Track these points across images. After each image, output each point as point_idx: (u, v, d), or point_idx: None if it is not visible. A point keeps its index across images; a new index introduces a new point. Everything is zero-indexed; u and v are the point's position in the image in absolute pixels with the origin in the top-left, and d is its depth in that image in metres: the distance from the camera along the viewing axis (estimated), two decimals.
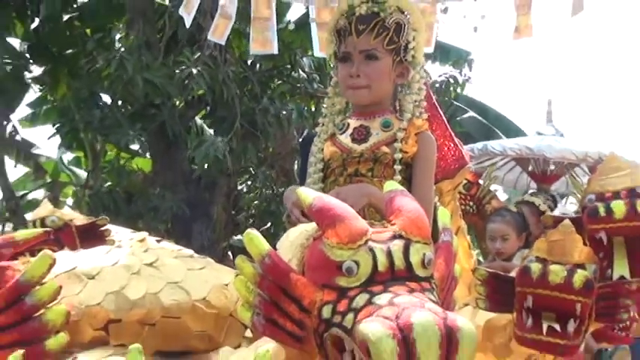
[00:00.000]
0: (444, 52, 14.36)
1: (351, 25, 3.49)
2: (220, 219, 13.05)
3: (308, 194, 2.36)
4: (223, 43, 4.92)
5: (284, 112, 12.54)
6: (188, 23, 4.51)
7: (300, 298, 2.26)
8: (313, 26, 4.73)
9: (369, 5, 3.50)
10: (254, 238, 2.32)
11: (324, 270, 2.25)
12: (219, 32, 4.63)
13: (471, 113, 16.85)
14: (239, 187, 14.37)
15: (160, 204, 12.02)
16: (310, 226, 2.43)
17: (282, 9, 12.04)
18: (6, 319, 2.66)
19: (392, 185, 2.51)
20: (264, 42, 4.61)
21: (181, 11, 4.45)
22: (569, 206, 8.28)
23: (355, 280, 2.20)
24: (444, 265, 2.46)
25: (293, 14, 13.69)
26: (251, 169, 13.95)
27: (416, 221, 2.31)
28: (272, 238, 2.79)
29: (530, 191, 7.72)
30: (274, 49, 4.72)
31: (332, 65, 3.66)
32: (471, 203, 6.92)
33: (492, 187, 7.44)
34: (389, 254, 2.22)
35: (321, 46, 4.57)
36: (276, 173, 13.67)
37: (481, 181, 7.18)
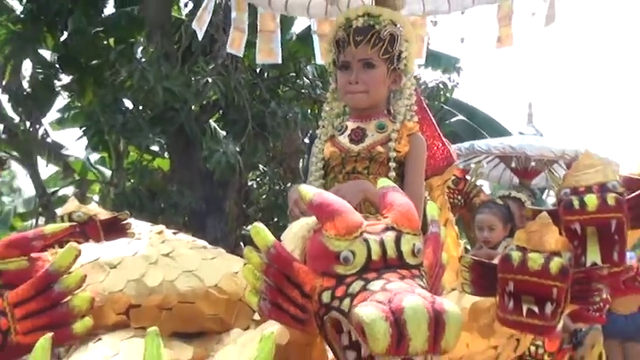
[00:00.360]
0: (435, 59, 14.32)
1: (350, 37, 3.49)
2: (232, 213, 13.06)
3: (308, 191, 2.37)
4: (241, 54, 4.91)
5: (290, 115, 12.54)
6: (200, 36, 4.52)
7: (302, 284, 2.27)
8: (315, 37, 4.74)
9: (365, 18, 3.51)
10: (260, 231, 2.32)
11: (323, 259, 2.25)
12: (236, 45, 4.64)
13: (460, 117, 16.77)
14: (249, 184, 14.38)
15: (179, 200, 12.04)
16: (311, 220, 2.43)
17: (287, 22, 12.07)
18: (37, 305, 2.67)
19: (385, 182, 2.52)
20: (269, 52, 4.62)
21: (194, 25, 4.45)
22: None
23: (351, 268, 2.20)
24: (432, 254, 2.47)
25: (298, 26, 13.70)
26: (260, 166, 13.97)
27: (406, 214, 2.32)
28: (279, 229, 2.79)
29: (512, 186, 7.70)
30: (278, 59, 4.73)
31: (331, 73, 3.66)
32: (459, 197, 6.92)
33: (478, 182, 7.44)
34: (382, 244, 2.22)
35: (322, 55, 4.58)
36: (283, 170, 13.69)
37: (468, 177, 7.19)
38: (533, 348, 5.45)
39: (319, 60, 4.94)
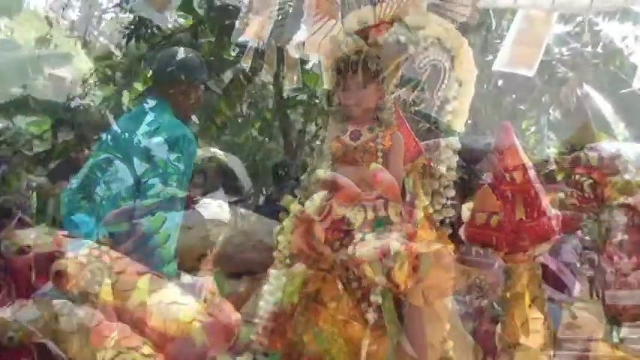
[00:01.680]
0: (410, 81, 14.14)
1: (347, 66, 3.48)
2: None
3: (322, 174, 2.38)
4: (271, 80, 4.96)
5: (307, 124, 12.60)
6: (247, 69, 4.54)
7: (319, 237, 2.28)
8: (323, 70, 4.75)
9: (357, 53, 3.50)
10: (290, 201, 2.34)
11: (334, 220, 2.27)
12: (269, 75, 4.66)
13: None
14: (280, 172, 14.37)
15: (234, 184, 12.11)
16: (324, 194, 2.44)
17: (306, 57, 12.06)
18: (138, 256, 2.70)
19: (375, 166, 2.53)
20: (292, 79, 4.65)
21: (242, 63, 4.49)
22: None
23: (353, 225, 2.22)
24: (408, 215, 2.47)
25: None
26: (288, 160, 13.98)
27: (391, 187, 2.33)
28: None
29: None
30: (299, 84, 4.77)
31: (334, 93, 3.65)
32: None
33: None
34: (374, 209, 2.23)
35: (326, 80, 4.60)
36: (303, 163, 13.68)
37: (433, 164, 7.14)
38: (478, 280, 5.46)
39: (325, 86, 4.97)
